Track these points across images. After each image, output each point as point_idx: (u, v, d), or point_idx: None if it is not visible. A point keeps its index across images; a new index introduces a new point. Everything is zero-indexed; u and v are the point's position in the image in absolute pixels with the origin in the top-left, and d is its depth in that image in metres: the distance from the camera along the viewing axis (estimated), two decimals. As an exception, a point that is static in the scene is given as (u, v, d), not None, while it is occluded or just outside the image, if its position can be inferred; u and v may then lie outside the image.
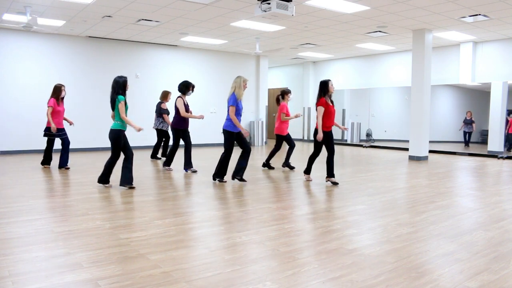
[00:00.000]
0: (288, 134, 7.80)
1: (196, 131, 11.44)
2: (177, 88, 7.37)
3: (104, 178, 5.82)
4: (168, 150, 7.76)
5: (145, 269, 2.79)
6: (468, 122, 11.71)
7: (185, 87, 7.28)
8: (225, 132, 6.11)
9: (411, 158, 9.92)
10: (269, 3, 6.55)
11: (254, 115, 14.08)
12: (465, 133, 11.78)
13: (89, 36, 10.76)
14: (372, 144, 13.35)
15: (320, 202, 5.06)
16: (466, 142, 11.73)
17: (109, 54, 11.17)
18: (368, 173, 7.43)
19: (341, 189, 5.87)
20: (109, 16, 8.48)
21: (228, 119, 6.07)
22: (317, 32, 9.97)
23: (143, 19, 8.75)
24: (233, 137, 6.12)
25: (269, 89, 15.20)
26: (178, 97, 7.24)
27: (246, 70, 13.85)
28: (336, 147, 12.47)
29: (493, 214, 4.48)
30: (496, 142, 10.42)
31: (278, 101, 7.83)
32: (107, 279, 2.61)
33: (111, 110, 5.70)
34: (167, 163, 7.54)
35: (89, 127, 10.78)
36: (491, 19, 8.36)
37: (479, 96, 11.41)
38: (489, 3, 7.27)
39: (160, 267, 2.83)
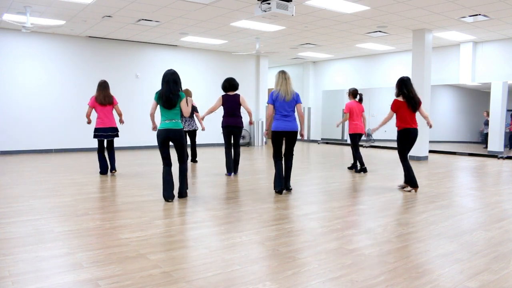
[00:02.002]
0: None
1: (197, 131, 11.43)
2: (232, 86, 6.88)
3: (181, 191, 5.11)
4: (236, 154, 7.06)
5: (145, 269, 2.79)
6: (488, 123, 11.28)
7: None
8: (296, 134, 5.44)
9: (411, 158, 9.91)
10: (269, 3, 6.55)
11: (254, 115, 14.08)
12: (486, 134, 11.29)
13: (89, 36, 10.77)
14: (372, 144, 13.35)
15: (320, 202, 5.06)
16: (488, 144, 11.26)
17: (109, 54, 11.17)
18: (368, 173, 7.43)
19: (341, 189, 5.87)
20: (109, 16, 8.48)
21: (295, 119, 5.44)
22: (317, 32, 9.98)
23: (143, 19, 8.75)
24: None
25: (269, 89, 15.19)
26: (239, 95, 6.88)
27: (246, 70, 13.86)
28: (336, 147, 12.48)
29: (493, 214, 4.48)
30: (496, 142, 10.41)
31: (361, 100, 7.64)
32: (107, 279, 2.61)
33: (168, 109, 4.93)
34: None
35: (89, 127, 10.76)
36: (491, 19, 8.36)
37: (479, 96, 11.39)
38: (489, 3, 7.27)
39: (160, 267, 2.83)
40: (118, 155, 9.81)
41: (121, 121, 7.01)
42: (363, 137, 8.17)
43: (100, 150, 6.86)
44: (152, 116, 5.28)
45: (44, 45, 10.27)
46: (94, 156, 9.53)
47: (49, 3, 7.50)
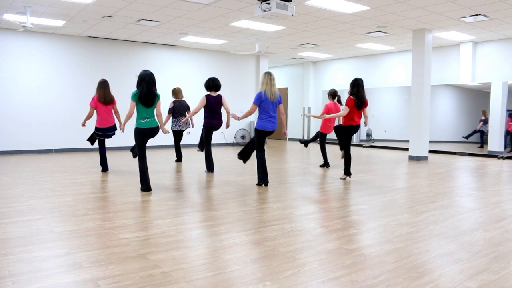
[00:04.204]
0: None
1: (196, 131, 11.44)
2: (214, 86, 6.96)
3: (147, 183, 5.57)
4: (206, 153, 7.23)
5: (145, 269, 2.79)
6: (487, 122, 11.22)
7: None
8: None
9: (411, 158, 9.91)
10: (269, 3, 6.55)
11: (254, 115, 14.07)
12: (483, 132, 11.35)
13: (89, 36, 10.76)
14: (372, 144, 13.35)
15: (320, 202, 5.06)
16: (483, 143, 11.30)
17: (109, 54, 11.17)
18: (368, 173, 7.43)
19: (341, 189, 5.87)
20: (109, 16, 8.48)
21: (277, 118, 5.96)
22: (317, 32, 9.98)
23: (143, 19, 8.75)
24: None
25: (269, 89, 15.18)
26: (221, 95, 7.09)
27: (246, 70, 13.85)
28: (336, 147, 12.48)
29: (493, 214, 4.48)
30: (496, 142, 10.41)
31: (339, 102, 8.08)
32: (107, 279, 2.61)
33: (146, 107, 5.31)
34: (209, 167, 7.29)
35: (90, 127, 10.75)
36: (491, 19, 8.36)
37: (479, 96, 11.39)
38: (489, 3, 7.27)
39: (160, 267, 2.83)
40: (118, 155, 9.81)
41: (122, 128, 6.81)
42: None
43: (102, 149, 7.13)
44: (130, 117, 5.50)
45: (44, 45, 10.27)
46: (94, 156, 9.53)
47: (49, 3, 7.50)
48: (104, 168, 7.21)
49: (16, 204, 4.68)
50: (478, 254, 3.17)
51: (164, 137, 10.71)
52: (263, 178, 5.98)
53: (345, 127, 6.55)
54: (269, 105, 5.77)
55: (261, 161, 5.96)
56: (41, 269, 2.77)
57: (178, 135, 8.60)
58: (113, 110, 6.97)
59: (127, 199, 5.03)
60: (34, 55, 10.17)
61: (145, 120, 5.34)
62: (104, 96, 6.78)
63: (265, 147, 12.88)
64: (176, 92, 8.46)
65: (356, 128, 6.51)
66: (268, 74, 5.81)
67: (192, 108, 9.62)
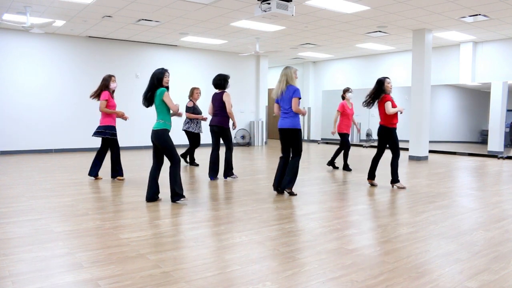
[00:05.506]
0: (347, 134, 7.78)
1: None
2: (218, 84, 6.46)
3: (155, 195, 4.95)
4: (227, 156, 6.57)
5: (145, 269, 2.79)
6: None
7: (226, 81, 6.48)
8: (298, 131, 5.26)
9: (411, 158, 9.91)
10: (269, 3, 6.55)
11: (254, 115, 14.09)
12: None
13: (89, 36, 10.76)
14: (372, 144, 13.34)
15: (320, 202, 5.06)
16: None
17: (109, 54, 11.17)
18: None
19: (341, 189, 5.87)
20: (109, 16, 8.48)
21: (294, 115, 5.21)
22: (317, 32, 9.98)
23: (143, 19, 8.75)
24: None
25: (269, 89, 15.19)
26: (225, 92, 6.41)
27: (246, 70, 13.86)
28: (336, 147, 12.49)
29: (493, 214, 4.48)
30: (496, 142, 10.41)
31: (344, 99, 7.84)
32: (107, 279, 2.61)
33: (155, 108, 4.94)
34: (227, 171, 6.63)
35: (89, 127, 10.77)
36: (491, 19, 8.36)
37: (479, 96, 11.39)
38: (489, 3, 7.27)
39: (160, 267, 2.83)
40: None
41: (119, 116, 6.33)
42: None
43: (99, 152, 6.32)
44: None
45: (44, 45, 10.27)
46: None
47: (49, 3, 7.50)
48: (91, 172, 6.33)
49: (16, 204, 4.68)
50: (478, 254, 3.17)
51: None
52: (275, 181, 5.48)
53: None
54: (281, 102, 5.25)
55: (278, 165, 5.46)
56: (41, 269, 2.77)
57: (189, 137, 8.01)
58: (116, 109, 6.32)
59: (127, 199, 5.03)
60: (34, 55, 10.17)
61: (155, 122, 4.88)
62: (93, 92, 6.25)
63: (267, 147, 12.87)
64: (191, 92, 8.01)
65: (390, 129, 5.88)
66: (283, 69, 5.27)
67: (201, 110, 9.45)
